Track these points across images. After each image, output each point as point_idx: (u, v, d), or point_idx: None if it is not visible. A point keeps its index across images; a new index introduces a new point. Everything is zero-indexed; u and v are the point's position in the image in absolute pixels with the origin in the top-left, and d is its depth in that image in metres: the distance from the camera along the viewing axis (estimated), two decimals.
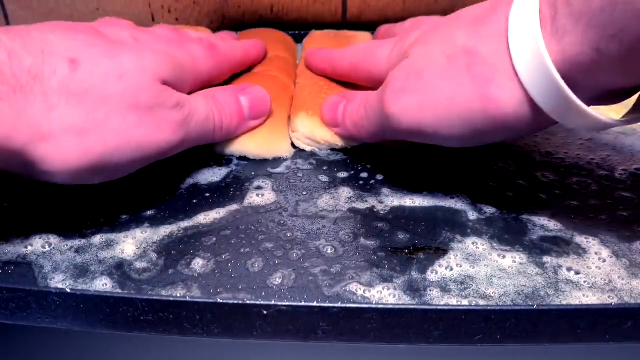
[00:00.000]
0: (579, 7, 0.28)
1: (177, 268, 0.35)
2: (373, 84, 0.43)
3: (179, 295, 0.33)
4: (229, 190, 0.41)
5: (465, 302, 0.32)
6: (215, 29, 0.59)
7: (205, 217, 0.38)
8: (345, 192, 0.40)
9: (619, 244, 0.36)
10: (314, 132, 0.44)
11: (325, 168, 0.43)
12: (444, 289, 0.33)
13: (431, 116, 0.34)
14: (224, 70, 0.46)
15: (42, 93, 0.32)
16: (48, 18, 0.63)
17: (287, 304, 0.31)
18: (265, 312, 0.31)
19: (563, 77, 0.29)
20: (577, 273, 0.34)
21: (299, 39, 0.56)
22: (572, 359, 0.42)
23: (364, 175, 0.42)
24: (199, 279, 0.34)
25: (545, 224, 0.37)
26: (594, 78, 0.30)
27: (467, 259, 0.35)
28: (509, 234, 0.37)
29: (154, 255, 0.35)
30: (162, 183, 0.41)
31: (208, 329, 0.32)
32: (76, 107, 0.33)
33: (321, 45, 0.53)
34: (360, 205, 0.39)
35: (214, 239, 0.37)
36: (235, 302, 0.31)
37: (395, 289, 0.33)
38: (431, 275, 0.34)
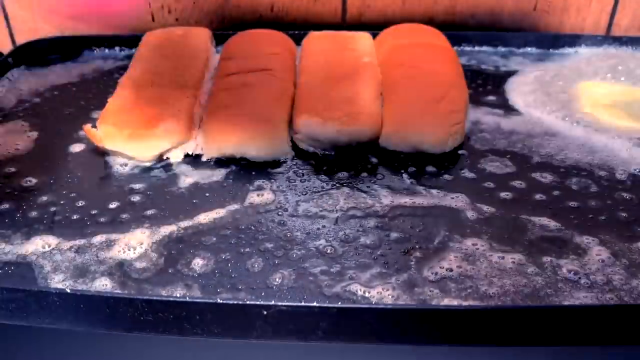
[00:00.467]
0: None
1: (177, 268, 0.35)
2: None
3: (178, 295, 0.33)
4: (229, 190, 0.41)
5: (464, 302, 0.32)
6: (215, 29, 0.59)
7: (205, 217, 0.38)
8: (345, 192, 0.40)
9: (618, 244, 0.36)
10: (316, 132, 0.44)
11: (325, 168, 0.43)
12: (444, 288, 0.33)
13: None
14: None
15: None
16: (48, 18, 0.63)
17: (287, 304, 0.31)
18: (265, 312, 0.31)
19: None
20: (577, 273, 0.34)
21: (299, 39, 0.56)
22: (572, 359, 0.42)
23: (364, 175, 0.42)
24: (199, 278, 0.34)
25: (545, 224, 0.37)
26: None
27: (467, 259, 0.35)
28: (509, 234, 0.37)
29: (153, 255, 0.35)
30: (161, 183, 0.41)
31: (208, 329, 0.32)
32: None
33: (320, 45, 0.53)
34: (360, 205, 0.39)
35: (214, 238, 0.37)
36: (235, 302, 0.31)
37: (394, 289, 0.33)
38: (431, 275, 0.34)
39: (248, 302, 0.31)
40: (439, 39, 0.53)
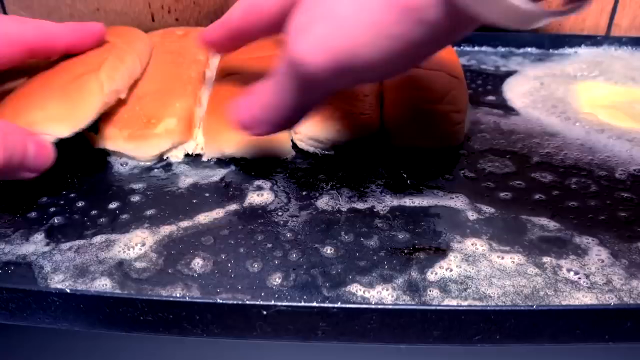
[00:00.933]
0: None
1: (177, 268, 0.35)
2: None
3: (178, 295, 0.33)
4: (228, 190, 0.41)
5: (464, 302, 0.32)
6: None
7: (205, 217, 0.38)
8: (346, 192, 0.40)
9: (618, 244, 0.36)
10: (316, 132, 0.44)
11: (325, 168, 0.43)
12: (444, 289, 0.33)
13: (343, 38, 0.29)
14: (5, 55, 0.39)
15: None
16: (48, 18, 0.63)
17: (286, 304, 0.31)
18: (264, 312, 0.31)
19: None
20: (577, 273, 0.34)
21: None
22: (572, 359, 0.42)
23: (364, 175, 0.42)
24: (199, 279, 0.34)
25: (545, 224, 0.37)
26: None
27: (467, 259, 0.35)
28: (509, 234, 0.37)
29: (153, 255, 0.35)
30: (161, 183, 0.41)
31: (208, 329, 0.32)
32: None
33: None
34: (360, 205, 0.39)
35: (214, 239, 0.37)
36: (235, 302, 0.31)
37: (394, 289, 0.33)
38: (431, 276, 0.34)
39: (248, 302, 0.31)
40: None
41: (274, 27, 0.37)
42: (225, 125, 0.43)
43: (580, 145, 0.45)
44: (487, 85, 0.54)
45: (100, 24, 0.45)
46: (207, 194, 0.40)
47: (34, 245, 0.36)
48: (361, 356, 0.41)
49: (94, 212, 0.39)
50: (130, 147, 0.43)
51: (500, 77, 0.55)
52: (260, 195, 0.40)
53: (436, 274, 0.34)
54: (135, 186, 0.41)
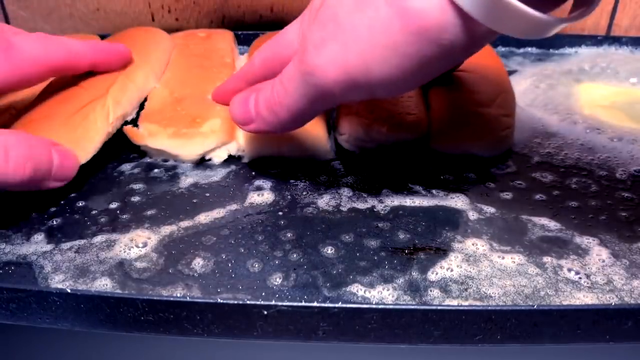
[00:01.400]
0: None
1: (177, 268, 0.35)
2: None
3: (179, 295, 0.33)
4: (229, 190, 0.41)
5: (465, 302, 0.32)
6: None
7: (205, 217, 0.38)
8: (346, 192, 0.40)
9: (619, 244, 0.36)
10: (362, 133, 0.43)
11: (325, 168, 0.43)
12: (444, 289, 0.33)
13: (358, 56, 0.30)
14: (31, 75, 0.39)
15: None
16: (48, 18, 0.63)
17: (287, 304, 0.31)
18: (265, 312, 0.31)
19: None
20: (577, 273, 0.34)
21: None
22: (572, 359, 0.42)
23: (364, 175, 0.42)
24: (199, 278, 0.34)
25: (545, 224, 0.37)
26: None
27: (467, 259, 0.35)
28: (509, 234, 0.37)
29: (154, 255, 0.35)
30: (161, 183, 0.41)
31: (208, 329, 0.32)
32: None
33: None
34: (361, 205, 0.39)
35: (214, 238, 0.37)
36: (236, 302, 0.31)
37: (395, 289, 0.33)
38: (431, 276, 0.34)
39: (248, 302, 0.31)
40: None
41: None
42: None
43: (580, 145, 0.45)
44: None
45: (124, 46, 0.46)
46: (207, 194, 0.40)
47: (35, 245, 0.36)
48: (361, 356, 0.41)
49: (94, 212, 0.39)
50: (174, 145, 0.43)
51: None
52: (260, 195, 0.40)
53: (437, 274, 0.34)
54: (136, 186, 0.41)
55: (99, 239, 0.37)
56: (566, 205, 0.39)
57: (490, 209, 0.39)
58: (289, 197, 0.40)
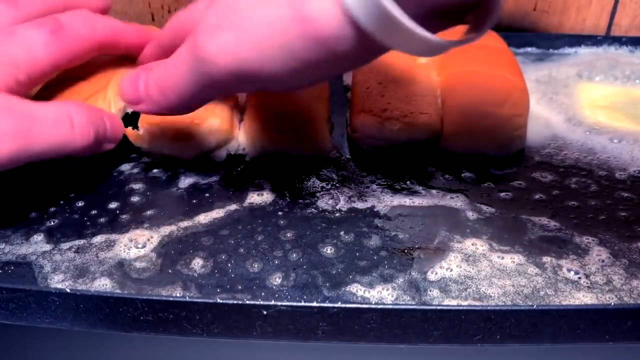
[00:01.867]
0: None
1: (177, 268, 0.35)
2: None
3: (178, 295, 0.33)
4: (228, 190, 0.41)
5: (464, 302, 0.32)
6: None
7: (204, 217, 0.38)
8: (345, 191, 0.40)
9: (618, 244, 0.36)
10: (374, 132, 0.43)
11: (325, 168, 0.43)
12: (444, 289, 0.33)
13: (252, 50, 0.30)
14: (79, 53, 0.40)
15: None
16: None
17: (286, 304, 0.31)
18: (264, 312, 0.31)
19: None
20: (577, 273, 0.34)
21: None
22: (572, 359, 0.42)
23: (364, 174, 0.42)
24: (199, 278, 0.34)
25: (545, 224, 0.37)
26: None
27: (467, 259, 0.35)
28: (509, 234, 0.37)
29: (153, 255, 0.35)
30: (161, 183, 0.41)
31: (208, 329, 0.32)
32: None
33: None
34: (360, 205, 0.39)
35: (214, 238, 0.37)
36: (235, 302, 0.31)
37: (395, 289, 0.33)
38: (431, 275, 0.34)
39: (248, 302, 0.31)
40: (496, 41, 0.53)
41: None
42: (266, 125, 0.43)
43: (580, 145, 0.45)
44: None
45: (152, 28, 0.46)
46: (207, 194, 0.40)
47: (34, 245, 0.36)
48: (361, 356, 0.41)
49: (94, 212, 0.39)
50: (174, 147, 0.43)
51: None
52: (260, 195, 0.40)
53: (436, 273, 0.34)
54: (135, 186, 0.41)
55: (98, 239, 0.37)
56: (566, 205, 0.39)
57: (489, 209, 0.39)
58: (288, 197, 0.40)
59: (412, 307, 0.31)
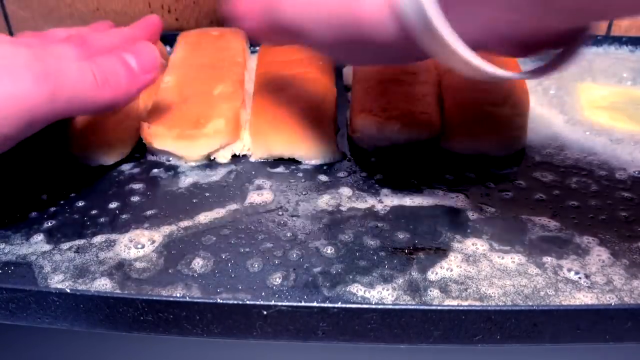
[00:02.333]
0: None
1: (177, 268, 0.35)
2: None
3: (178, 295, 0.33)
4: (229, 190, 0.41)
5: (465, 302, 0.32)
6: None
7: (205, 217, 0.38)
8: (345, 192, 0.40)
9: (619, 244, 0.36)
10: (374, 132, 0.43)
11: (325, 168, 0.43)
12: (444, 289, 0.33)
13: (307, 7, 0.33)
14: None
15: None
16: (48, 18, 0.63)
17: (286, 304, 0.31)
18: (265, 312, 0.31)
19: None
20: (577, 273, 0.34)
21: None
22: (572, 359, 0.42)
23: (364, 175, 0.42)
24: (199, 278, 0.34)
25: (545, 224, 0.37)
26: (466, 3, 0.26)
27: (467, 259, 0.35)
28: (509, 234, 0.37)
29: (153, 255, 0.35)
30: (161, 183, 0.41)
31: (208, 329, 0.32)
32: None
33: None
34: (361, 205, 0.39)
35: (214, 238, 0.37)
36: (235, 302, 0.31)
37: (395, 289, 0.33)
38: (431, 276, 0.34)
39: (248, 302, 0.31)
40: None
41: None
42: (273, 126, 0.43)
43: (580, 145, 0.45)
44: None
45: (154, 16, 0.49)
46: (207, 194, 0.40)
47: (34, 245, 0.36)
48: (361, 356, 0.41)
49: (94, 212, 0.39)
50: (178, 147, 0.43)
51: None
52: (260, 195, 0.40)
53: (437, 273, 0.34)
54: (135, 186, 0.41)
55: (98, 239, 0.37)
56: (566, 205, 0.39)
57: (490, 209, 0.39)
58: (289, 196, 0.40)
59: (412, 307, 0.31)
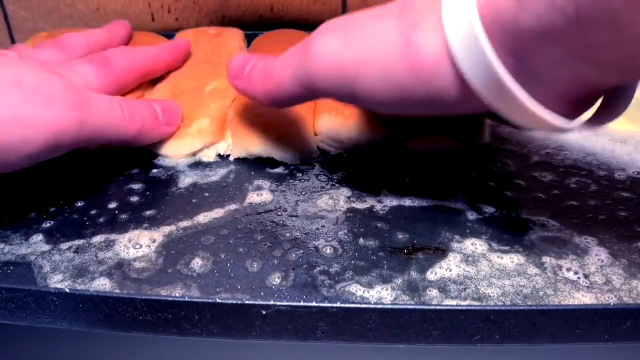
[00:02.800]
0: None
1: (176, 268, 0.35)
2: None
3: (177, 295, 0.33)
4: (228, 190, 0.41)
5: (464, 302, 0.32)
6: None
7: (204, 217, 0.38)
8: (345, 192, 0.40)
9: (618, 244, 0.36)
10: (338, 132, 0.43)
11: (324, 168, 0.43)
12: (443, 289, 0.33)
13: (354, 56, 0.31)
14: (125, 83, 0.45)
15: None
16: (48, 18, 0.63)
17: (286, 304, 0.31)
18: (264, 312, 0.31)
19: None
20: (576, 273, 0.34)
21: None
22: (572, 359, 0.42)
23: (364, 174, 0.42)
24: (198, 278, 0.34)
25: (545, 224, 0.37)
26: (529, 47, 0.25)
27: (466, 259, 0.35)
28: (508, 234, 0.37)
29: (153, 255, 0.35)
30: (161, 183, 0.42)
31: (207, 329, 0.32)
32: None
33: None
34: (360, 205, 0.39)
35: (213, 238, 0.37)
36: (234, 302, 0.31)
37: (394, 289, 0.33)
38: (430, 275, 0.34)
39: (247, 302, 0.31)
40: None
41: None
42: (252, 125, 0.43)
43: (579, 145, 0.45)
44: None
45: (185, 39, 0.52)
46: (206, 194, 0.40)
47: (33, 245, 0.36)
48: (361, 356, 0.41)
49: (93, 211, 0.39)
50: (161, 145, 0.43)
51: None
52: (259, 195, 0.40)
53: (435, 273, 0.34)
54: (135, 186, 0.41)
55: (97, 239, 0.37)
56: (565, 205, 0.39)
57: (489, 209, 0.39)
58: (288, 196, 0.40)
59: (411, 307, 0.31)
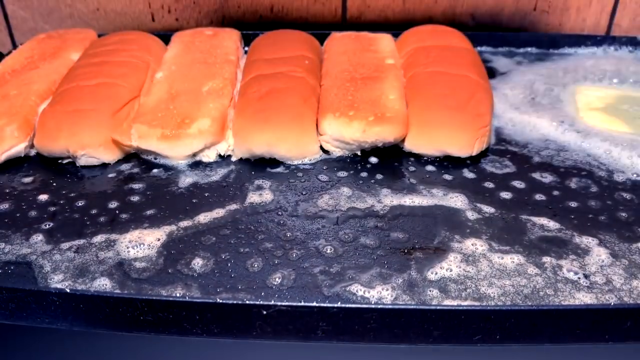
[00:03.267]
0: None
1: (177, 268, 0.35)
2: None
3: (178, 295, 0.33)
4: (228, 190, 0.41)
5: (464, 302, 0.32)
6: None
7: (205, 217, 0.38)
8: (345, 192, 0.40)
9: (618, 245, 0.36)
10: (342, 133, 0.43)
11: (324, 168, 0.43)
12: (443, 289, 0.33)
13: None
14: None
15: None
16: (48, 18, 0.63)
17: (286, 304, 0.31)
18: (264, 312, 0.31)
19: None
20: (576, 273, 0.34)
21: None
22: (572, 359, 0.42)
23: (364, 175, 0.42)
24: (199, 278, 0.34)
25: (545, 224, 0.37)
26: None
27: (467, 259, 0.35)
28: (509, 234, 0.37)
29: (153, 255, 0.35)
30: (161, 183, 0.41)
31: (207, 329, 0.32)
32: None
33: (342, 46, 0.53)
34: (360, 205, 0.39)
35: (214, 238, 0.37)
36: (235, 302, 0.31)
37: (394, 289, 0.33)
38: (430, 275, 0.34)
39: (247, 302, 0.31)
40: (462, 41, 0.53)
41: None
42: (254, 126, 0.43)
43: (579, 146, 0.45)
44: None
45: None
46: (207, 194, 0.40)
47: (34, 245, 0.36)
48: (361, 356, 0.41)
49: (93, 211, 0.39)
50: (163, 147, 0.43)
51: (500, 77, 0.55)
52: (260, 195, 0.40)
53: (436, 273, 0.34)
54: (135, 186, 0.41)
55: (98, 238, 0.37)
56: (566, 205, 0.39)
57: (489, 209, 0.39)
58: (288, 196, 0.40)
59: (411, 307, 0.31)
